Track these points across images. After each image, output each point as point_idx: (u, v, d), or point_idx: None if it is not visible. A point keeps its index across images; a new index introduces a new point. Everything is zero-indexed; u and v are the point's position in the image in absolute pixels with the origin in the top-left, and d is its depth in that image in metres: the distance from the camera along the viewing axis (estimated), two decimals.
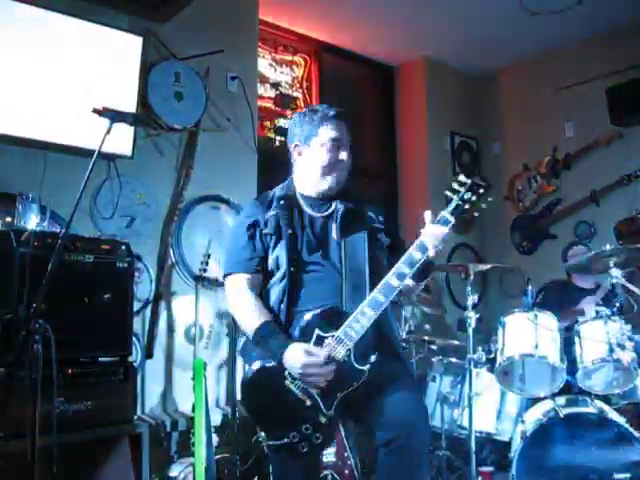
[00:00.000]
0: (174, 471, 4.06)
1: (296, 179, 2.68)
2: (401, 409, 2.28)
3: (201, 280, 4.13)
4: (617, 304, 3.85)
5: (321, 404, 2.33)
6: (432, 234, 2.33)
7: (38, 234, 2.96)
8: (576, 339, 3.81)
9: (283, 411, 2.35)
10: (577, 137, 6.04)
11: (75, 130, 3.83)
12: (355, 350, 2.31)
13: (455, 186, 2.38)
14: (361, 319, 2.31)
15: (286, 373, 2.35)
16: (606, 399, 3.87)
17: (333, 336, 2.32)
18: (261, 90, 5.56)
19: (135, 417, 3.35)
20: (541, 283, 4.99)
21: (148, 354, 4.27)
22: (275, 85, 5.78)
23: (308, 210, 2.61)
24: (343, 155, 2.57)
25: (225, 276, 2.63)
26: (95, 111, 2.60)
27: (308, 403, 2.33)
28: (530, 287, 4.31)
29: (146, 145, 4.37)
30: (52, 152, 3.86)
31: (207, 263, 4.15)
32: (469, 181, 2.35)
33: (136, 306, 4.14)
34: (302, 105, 5.94)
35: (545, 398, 3.83)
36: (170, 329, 4.40)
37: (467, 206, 2.36)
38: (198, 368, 3.80)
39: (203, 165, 4.60)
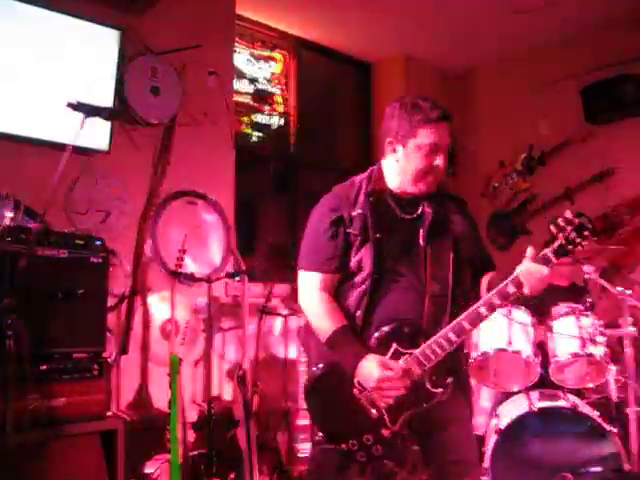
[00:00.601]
0: (149, 468, 4.05)
1: (387, 173, 2.51)
2: (459, 452, 2.32)
3: (177, 276, 4.11)
4: (589, 300, 3.91)
5: (386, 418, 2.27)
6: (531, 273, 2.21)
7: (11, 229, 2.93)
8: (549, 334, 3.85)
9: (347, 417, 2.31)
10: (552, 135, 6.09)
11: (50, 124, 3.80)
12: (430, 372, 2.27)
13: (561, 222, 2.20)
14: (444, 344, 2.25)
15: (355, 381, 2.29)
16: (579, 393, 3.92)
17: (411, 354, 2.27)
18: (238, 85, 5.55)
19: (110, 413, 3.34)
20: None
21: (123, 350, 4.25)
22: (253, 81, 5.77)
23: (397, 210, 2.46)
24: (439, 161, 2.39)
25: (301, 269, 2.50)
26: (69, 105, 2.59)
27: (374, 415, 2.28)
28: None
29: (122, 140, 4.34)
30: (27, 146, 3.83)
31: (183, 259, 4.13)
32: (577, 221, 2.19)
33: (111, 302, 4.11)
34: (279, 101, 5.94)
35: (519, 392, 3.86)
36: (146, 325, 4.37)
37: (570, 247, 2.20)
38: (174, 364, 3.79)
39: (180, 160, 4.58)
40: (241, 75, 5.65)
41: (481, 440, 4.05)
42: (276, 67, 5.99)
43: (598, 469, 3.45)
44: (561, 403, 3.63)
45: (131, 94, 4.31)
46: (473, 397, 3.89)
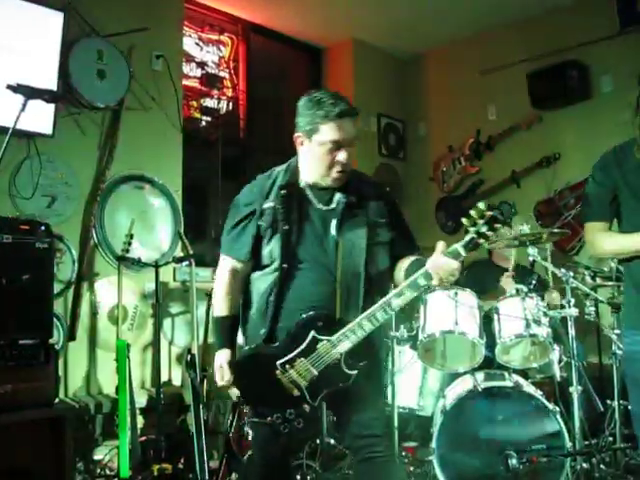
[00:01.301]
0: (99, 454, 4.04)
1: (301, 166, 2.60)
2: (370, 428, 2.47)
3: (124, 260, 4.08)
4: (533, 281, 3.99)
5: (307, 395, 2.44)
6: (440, 267, 2.27)
7: None
8: (494, 315, 3.92)
9: (271, 394, 2.47)
10: (499, 120, 6.17)
11: None
12: (346, 355, 2.40)
13: (473, 214, 2.22)
14: (358, 331, 2.38)
15: (278, 364, 2.44)
16: (524, 373, 4.01)
17: (328, 340, 2.40)
18: (187, 69, 5.49)
19: (57, 400, 3.31)
20: (465, 262, 5.09)
21: (71, 336, 4.22)
22: (201, 64, 5.71)
23: (310, 201, 2.55)
24: (342, 157, 2.47)
25: (220, 252, 2.69)
26: (9, 87, 2.53)
27: (295, 393, 2.45)
28: None
29: (68, 124, 4.28)
30: None
31: (130, 243, 4.10)
32: (490, 214, 2.20)
33: (58, 287, 4.08)
34: (229, 85, 5.90)
35: (465, 373, 3.93)
36: (93, 311, 4.34)
37: (481, 240, 2.24)
38: (121, 349, 3.77)
39: (127, 144, 4.53)
40: (190, 59, 5.58)
41: (430, 421, 4.13)
42: (225, 51, 5.94)
43: (542, 446, 3.53)
44: (506, 383, 3.71)
45: (76, 77, 4.25)
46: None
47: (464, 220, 2.24)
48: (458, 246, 2.27)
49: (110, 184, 4.47)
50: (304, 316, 2.43)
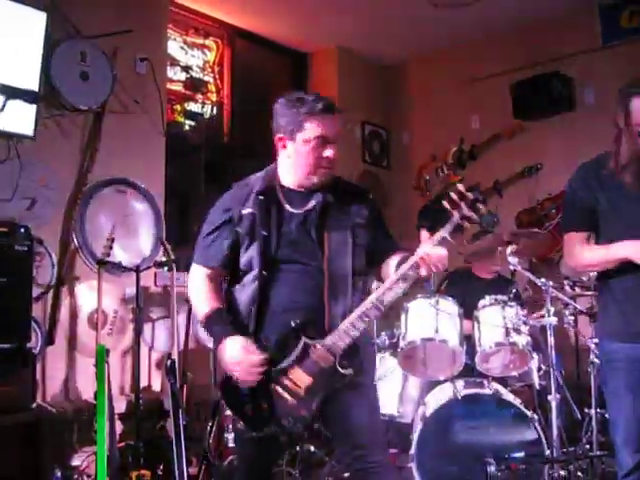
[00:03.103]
0: (76, 460, 4.00)
1: (280, 170, 2.54)
2: (360, 436, 2.39)
3: (105, 265, 4.04)
4: (513, 290, 4.01)
5: (304, 402, 2.35)
6: (429, 255, 2.23)
7: None
8: (475, 324, 3.94)
9: (265, 404, 2.38)
10: (483, 129, 6.22)
11: None
12: (339, 356, 2.34)
13: (454, 197, 2.21)
14: (351, 331, 2.32)
15: (272, 375, 2.37)
16: (503, 381, 4.02)
17: (322, 344, 2.33)
18: (171, 73, 5.48)
19: (34, 405, 3.28)
20: (443, 273, 5.10)
21: (49, 340, 4.18)
22: (186, 68, 5.70)
23: (287, 207, 2.49)
24: (329, 152, 2.42)
25: (194, 262, 2.60)
26: None
27: (291, 402, 2.36)
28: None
29: (49, 125, 4.26)
30: None
31: (111, 247, 4.07)
32: (471, 196, 2.19)
33: (37, 291, 4.04)
34: (213, 90, 5.89)
35: (445, 381, 3.93)
36: (73, 315, 4.30)
37: (466, 224, 2.22)
38: (100, 355, 3.74)
39: (109, 148, 4.51)
40: (174, 62, 5.57)
41: (409, 427, 4.13)
42: (210, 55, 5.93)
43: (521, 454, 3.54)
44: (485, 391, 3.72)
45: (58, 78, 4.22)
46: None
47: (445, 204, 2.22)
48: (444, 232, 2.24)
49: (92, 187, 4.44)
50: (293, 324, 2.36)
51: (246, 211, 2.47)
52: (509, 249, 3.87)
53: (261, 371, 2.34)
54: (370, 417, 2.49)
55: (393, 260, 2.46)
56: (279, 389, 2.37)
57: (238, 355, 2.34)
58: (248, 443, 2.50)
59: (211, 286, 2.53)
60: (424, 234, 2.28)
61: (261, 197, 2.47)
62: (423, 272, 2.27)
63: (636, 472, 2.47)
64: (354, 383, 2.39)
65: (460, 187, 2.20)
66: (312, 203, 2.48)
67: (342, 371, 2.35)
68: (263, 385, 2.37)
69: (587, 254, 2.60)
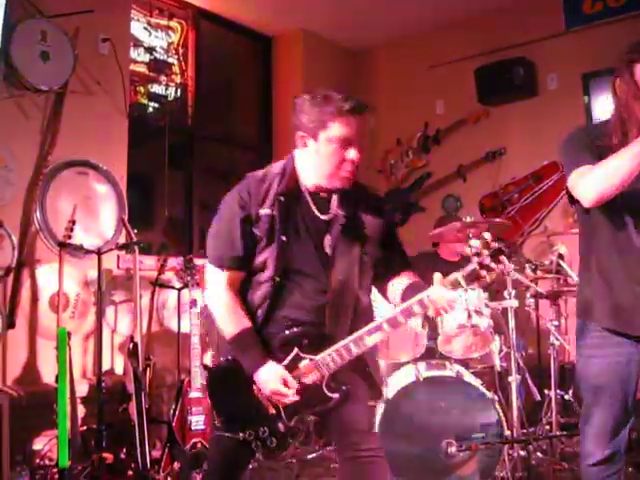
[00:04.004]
0: (38, 444, 3.97)
1: (300, 169, 2.43)
2: (354, 423, 2.33)
3: (66, 247, 4.00)
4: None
5: (283, 414, 2.33)
6: (438, 298, 2.22)
7: None
8: None
9: (246, 409, 2.36)
10: (447, 114, 6.25)
11: None
12: (329, 377, 2.30)
13: (478, 245, 2.18)
14: (344, 354, 2.27)
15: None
16: (465, 363, 4.07)
17: (312, 359, 2.30)
18: (134, 54, 5.41)
19: None
20: (411, 254, 5.12)
21: (10, 324, 4.13)
22: (149, 50, 5.62)
23: (308, 209, 2.40)
24: (353, 154, 2.32)
25: (210, 263, 2.46)
26: None
27: (271, 412, 2.34)
28: None
29: (9, 106, 4.19)
30: None
31: (72, 230, 4.03)
32: (496, 246, 2.15)
33: None
34: (177, 72, 5.83)
35: (407, 363, 3.96)
36: (34, 298, 4.25)
37: (483, 272, 2.16)
38: (61, 338, 3.71)
39: (70, 129, 4.45)
40: (138, 43, 5.50)
41: (372, 409, 4.17)
42: (174, 37, 5.86)
43: (482, 435, 3.59)
44: (446, 373, 3.76)
45: (18, 58, 4.14)
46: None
47: (466, 249, 2.20)
48: (458, 275, 2.20)
49: (52, 169, 4.38)
50: (287, 332, 2.33)
51: (264, 212, 2.36)
52: (470, 233, 3.90)
53: (295, 392, 2.29)
54: (363, 409, 2.43)
55: (399, 283, 2.45)
56: (261, 396, 2.35)
57: (275, 386, 2.28)
58: (223, 440, 2.44)
59: (235, 298, 2.41)
60: (437, 276, 2.25)
61: (282, 198, 2.38)
62: (430, 312, 2.27)
63: (605, 464, 2.36)
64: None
65: (486, 236, 2.17)
66: (331, 213, 2.40)
67: (328, 394, 2.30)
68: (247, 388, 2.36)
69: (600, 172, 2.20)
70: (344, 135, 2.30)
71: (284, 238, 2.34)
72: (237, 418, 2.38)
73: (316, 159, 2.36)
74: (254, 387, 2.35)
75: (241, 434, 2.34)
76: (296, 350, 2.32)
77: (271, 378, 2.29)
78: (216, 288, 2.43)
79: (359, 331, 2.28)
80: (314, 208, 2.40)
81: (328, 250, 2.37)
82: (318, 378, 2.29)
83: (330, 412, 2.36)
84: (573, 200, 2.39)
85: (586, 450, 2.42)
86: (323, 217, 2.40)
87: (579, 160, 2.31)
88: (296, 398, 2.30)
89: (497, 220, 4.17)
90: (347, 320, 2.36)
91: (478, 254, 2.16)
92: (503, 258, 2.14)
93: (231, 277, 2.41)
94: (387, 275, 2.50)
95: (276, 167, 2.48)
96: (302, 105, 2.36)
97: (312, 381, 2.30)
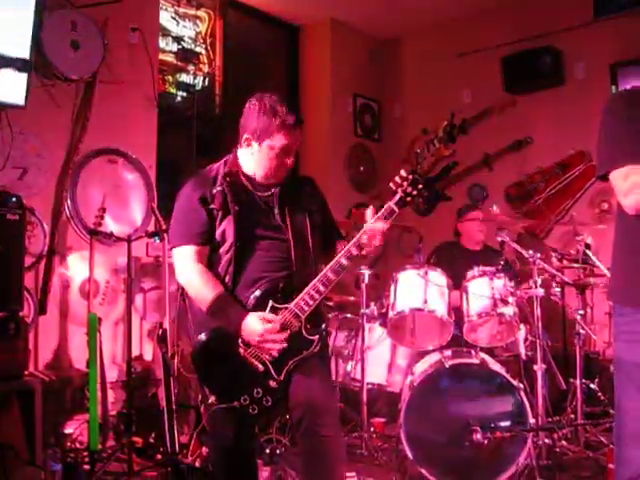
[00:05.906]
0: (69, 428, 4.04)
1: (242, 162, 2.68)
2: (313, 396, 2.49)
3: (96, 234, 4.06)
4: (501, 262, 4.05)
5: (272, 370, 2.48)
6: (373, 231, 2.51)
7: None
8: (463, 295, 3.98)
9: (235, 376, 2.49)
10: (473, 103, 6.23)
11: None
12: (305, 321, 2.50)
13: (397, 180, 2.51)
14: (315, 295, 2.49)
15: (239, 341, 2.48)
16: (491, 352, 4.08)
17: (287, 308, 2.49)
18: (163, 44, 5.45)
19: (27, 373, 3.31)
20: (437, 243, 5.13)
21: (41, 310, 4.20)
22: (177, 39, 5.67)
23: (251, 189, 2.64)
24: (289, 161, 2.63)
25: (172, 248, 2.66)
26: None
27: (260, 369, 2.47)
28: (421, 245, 4.48)
29: (41, 95, 4.23)
30: None
31: (103, 217, 4.09)
32: (410, 177, 2.50)
33: (29, 261, 4.06)
34: (205, 61, 5.86)
35: (433, 351, 3.98)
36: (65, 285, 4.32)
37: (409, 199, 2.51)
38: (92, 323, 3.76)
39: (101, 118, 4.50)
40: (166, 33, 5.54)
41: (398, 397, 4.20)
42: (202, 26, 5.90)
43: (507, 423, 3.60)
44: (472, 361, 3.76)
45: (49, 47, 4.19)
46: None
47: (391, 184, 2.52)
48: (391, 203, 2.52)
49: (83, 157, 4.44)
50: (258, 291, 2.51)
51: (216, 189, 2.59)
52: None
53: (285, 337, 2.46)
54: (327, 383, 2.67)
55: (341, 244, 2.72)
56: (247, 355, 2.48)
57: (261, 329, 2.44)
58: (220, 420, 2.55)
59: (204, 268, 2.58)
60: (369, 211, 2.57)
61: (228, 178, 2.62)
62: (368, 249, 2.54)
63: None
64: (319, 354, 2.53)
65: (402, 172, 2.51)
66: (271, 190, 2.65)
67: (308, 336, 2.50)
68: (232, 353, 2.48)
69: None
70: (285, 145, 2.58)
71: (237, 207, 2.56)
72: (229, 389, 2.49)
73: (258, 159, 2.62)
74: (239, 349, 2.47)
75: (236, 402, 2.46)
76: (271, 302, 2.50)
77: (255, 325, 2.44)
78: (185, 264, 2.60)
79: (322, 272, 2.53)
80: (254, 189, 2.65)
81: (278, 217, 2.63)
82: (297, 324, 2.48)
83: (287, 392, 2.51)
84: (604, 178, 2.17)
85: (624, 456, 2.07)
86: (264, 194, 2.65)
87: (617, 155, 2.09)
88: (283, 340, 2.45)
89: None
90: (310, 270, 2.60)
91: (400, 185, 2.51)
92: (420, 185, 2.50)
93: (198, 252, 2.59)
94: (329, 244, 2.79)
95: (218, 162, 2.75)
96: (252, 111, 2.62)
97: (294, 327, 2.48)
